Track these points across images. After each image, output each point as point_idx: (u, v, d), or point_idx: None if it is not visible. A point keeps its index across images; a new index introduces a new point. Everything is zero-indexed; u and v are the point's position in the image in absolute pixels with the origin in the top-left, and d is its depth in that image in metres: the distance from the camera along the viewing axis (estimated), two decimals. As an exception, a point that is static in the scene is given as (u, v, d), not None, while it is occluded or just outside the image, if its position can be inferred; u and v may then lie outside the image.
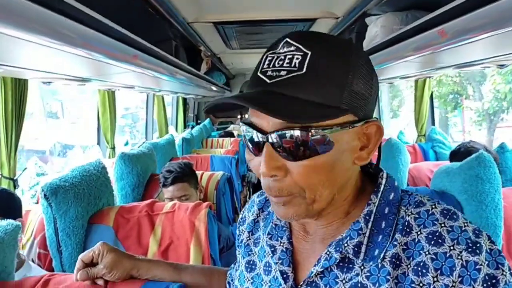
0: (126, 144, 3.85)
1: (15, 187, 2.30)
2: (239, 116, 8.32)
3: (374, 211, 0.71)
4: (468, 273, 0.62)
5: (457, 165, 1.68)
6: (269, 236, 0.82)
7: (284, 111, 0.63)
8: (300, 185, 0.68)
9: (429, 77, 3.52)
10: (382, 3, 2.16)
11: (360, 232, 0.70)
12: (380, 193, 0.72)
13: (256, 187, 6.27)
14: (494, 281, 0.61)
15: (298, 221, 0.79)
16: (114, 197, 2.22)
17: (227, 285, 1.00)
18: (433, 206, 0.69)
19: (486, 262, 0.62)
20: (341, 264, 0.71)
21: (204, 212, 1.67)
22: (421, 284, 0.64)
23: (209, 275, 1.07)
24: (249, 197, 5.29)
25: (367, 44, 2.44)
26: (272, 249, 0.80)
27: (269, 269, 0.81)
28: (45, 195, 1.54)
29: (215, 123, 7.80)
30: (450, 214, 0.67)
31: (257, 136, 0.69)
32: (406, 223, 0.68)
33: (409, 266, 0.66)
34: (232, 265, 1.02)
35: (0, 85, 2.13)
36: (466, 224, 0.66)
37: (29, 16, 1.00)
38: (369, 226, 0.70)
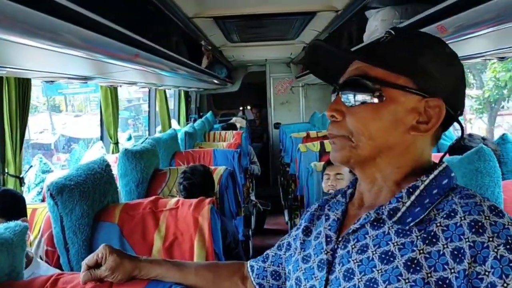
0: (129, 139, 3.87)
1: (21, 185, 2.33)
2: (241, 108, 8.32)
3: (421, 188, 0.77)
4: (501, 266, 0.64)
5: (457, 158, 1.69)
6: (328, 207, 0.93)
7: (363, 54, 0.82)
8: (349, 127, 0.80)
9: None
10: (382, -4, 2.16)
11: (400, 200, 0.77)
12: (432, 175, 0.78)
13: (259, 178, 6.31)
14: None
15: (359, 191, 0.88)
16: (119, 194, 2.25)
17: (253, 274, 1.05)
18: (482, 200, 0.72)
19: None
20: (374, 223, 0.78)
21: (207, 208, 1.70)
22: (455, 270, 0.68)
23: (215, 270, 1.10)
24: (252, 190, 5.34)
25: (367, 38, 2.45)
26: (327, 217, 0.90)
27: (319, 235, 0.89)
28: (51, 194, 1.57)
29: (217, 116, 7.81)
30: (496, 211, 0.70)
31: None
32: (452, 209, 0.72)
33: (446, 246, 0.69)
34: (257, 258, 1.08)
35: (4, 84, 2.16)
36: (510, 223, 0.68)
37: (31, 22, 1.02)
38: (412, 198, 0.77)
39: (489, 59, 2.08)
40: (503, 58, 1.88)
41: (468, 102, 9.29)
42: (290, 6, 2.82)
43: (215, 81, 5.20)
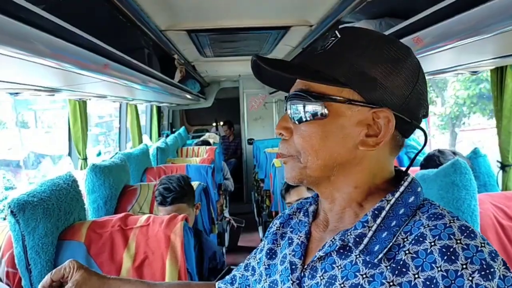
0: (99, 154, 3.76)
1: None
2: (214, 124, 8.27)
3: (386, 209, 0.72)
4: None
5: (433, 171, 1.68)
6: (291, 229, 0.88)
7: (288, 71, 0.75)
8: (296, 147, 0.75)
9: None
10: (355, 11, 2.17)
11: (366, 224, 0.72)
12: (398, 193, 0.73)
13: (233, 195, 6.23)
14: None
15: (323, 210, 0.83)
16: (86, 211, 2.15)
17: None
18: (452, 221, 0.67)
19: None
20: (341, 251, 0.73)
21: (180, 225, 1.63)
22: None
23: None
24: (226, 206, 5.26)
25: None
26: (290, 241, 0.85)
27: (284, 260, 0.84)
28: (12, 211, 1.48)
29: (190, 131, 7.73)
30: (468, 231, 0.65)
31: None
32: (420, 233, 0.67)
33: (418, 276, 0.64)
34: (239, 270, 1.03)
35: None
36: (483, 245, 0.64)
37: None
38: (378, 222, 0.71)
39: (462, 73, 2.10)
40: (475, 72, 1.90)
41: (431, 119, 9.67)
42: (264, 20, 2.81)
43: (188, 96, 5.14)
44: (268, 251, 0.89)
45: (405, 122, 0.74)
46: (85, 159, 3.37)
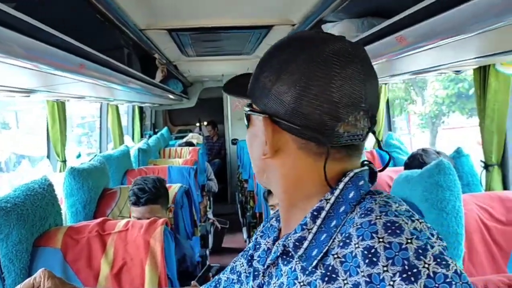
0: (79, 156, 3.67)
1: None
2: (197, 124, 8.20)
3: (326, 209, 0.66)
4: None
5: (417, 172, 1.67)
6: (262, 234, 0.86)
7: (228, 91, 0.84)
8: None
9: (385, 83, 3.56)
10: (338, 10, 2.15)
11: (305, 227, 0.67)
12: (338, 190, 0.67)
13: (217, 196, 6.18)
14: None
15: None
16: (64, 215, 2.09)
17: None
18: (378, 216, 0.60)
19: None
20: (284, 256, 0.71)
21: (160, 229, 1.59)
22: None
23: None
24: (210, 207, 5.21)
25: (324, 51, 2.42)
26: (258, 246, 0.83)
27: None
28: (-17, 218, 1.41)
29: (173, 132, 7.65)
30: (393, 227, 0.58)
31: None
32: (347, 234, 0.62)
33: (346, 282, 0.59)
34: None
35: None
36: (409, 241, 0.56)
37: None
38: (317, 223, 0.66)
39: (445, 73, 2.09)
40: (458, 71, 1.89)
41: (412, 118, 9.84)
42: (246, 19, 2.77)
43: (171, 96, 5.07)
44: (249, 258, 0.87)
45: (298, 129, 0.67)
46: (64, 161, 3.29)
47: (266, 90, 0.69)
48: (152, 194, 2.02)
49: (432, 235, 0.60)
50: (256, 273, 0.78)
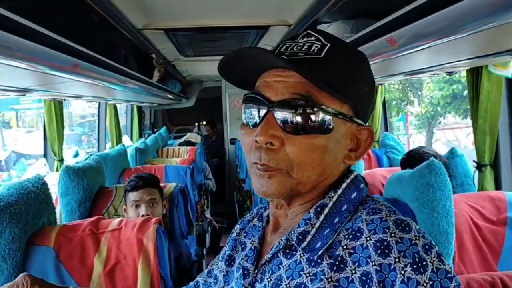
0: (76, 155, 3.68)
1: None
2: (196, 124, 8.21)
3: (329, 206, 0.72)
4: None
5: (408, 172, 1.68)
6: (245, 234, 0.86)
7: (310, 73, 0.68)
8: (292, 160, 0.69)
9: (381, 84, 3.57)
10: (333, 11, 2.15)
11: (308, 222, 0.71)
12: (340, 190, 0.73)
13: (215, 195, 6.18)
14: None
15: (273, 214, 0.80)
16: (59, 214, 2.10)
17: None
18: (388, 215, 0.67)
19: (430, 283, 0.60)
20: (287, 251, 0.73)
21: (152, 228, 1.60)
22: None
23: None
24: (207, 207, 5.21)
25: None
26: (243, 246, 0.84)
27: (240, 266, 0.82)
28: (-24, 216, 1.42)
29: (172, 131, 7.66)
30: (403, 225, 0.65)
31: (260, 107, 0.71)
32: (357, 228, 0.67)
33: (354, 272, 0.64)
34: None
35: None
36: (417, 238, 0.63)
37: None
38: (321, 219, 0.71)
39: (438, 74, 2.11)
40: (451, 72, 1.90)
41: (409, 119, 9.92)
42: (243, 19, 2.78)
43: (169, 96, 5.08)
44: (227, 258, 0.87)
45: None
46: (61, 160, 3.30)
47: (366, 101, 0.75)
48: (148, 178, 2.13)
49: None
50: (246, 272, 0.78)
